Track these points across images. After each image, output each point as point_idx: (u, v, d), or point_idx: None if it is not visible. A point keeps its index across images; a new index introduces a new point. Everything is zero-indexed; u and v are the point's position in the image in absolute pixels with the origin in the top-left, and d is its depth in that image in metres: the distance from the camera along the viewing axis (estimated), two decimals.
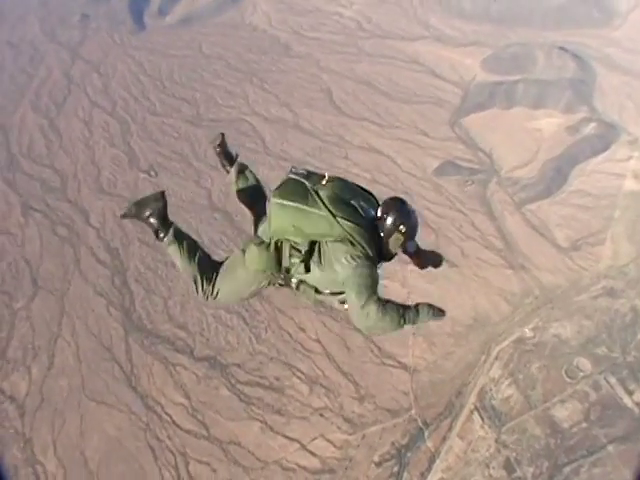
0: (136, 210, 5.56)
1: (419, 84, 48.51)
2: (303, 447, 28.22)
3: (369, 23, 57.36)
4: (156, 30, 62.98)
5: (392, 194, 5.17)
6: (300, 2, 62.06)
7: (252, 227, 5.75)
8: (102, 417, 31.43)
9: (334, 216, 4.81)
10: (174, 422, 30.35)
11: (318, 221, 4.83)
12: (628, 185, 37.31)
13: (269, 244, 5.21)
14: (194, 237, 5.76)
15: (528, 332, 30.03)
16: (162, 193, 5.66)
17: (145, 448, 29.81)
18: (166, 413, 30.78)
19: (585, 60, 48.04)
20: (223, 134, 6.07)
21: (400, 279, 33.38)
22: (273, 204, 4.96)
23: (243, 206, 6.04)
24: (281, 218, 4.94)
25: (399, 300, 4.72)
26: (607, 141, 40.60)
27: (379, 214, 4.99)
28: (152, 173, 44.50)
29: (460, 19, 55.37)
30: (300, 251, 5.06)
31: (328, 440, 28.19)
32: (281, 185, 5.07)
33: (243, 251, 5.41)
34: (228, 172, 6.19)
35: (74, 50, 61.80)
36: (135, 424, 30.74)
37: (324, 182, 5.03)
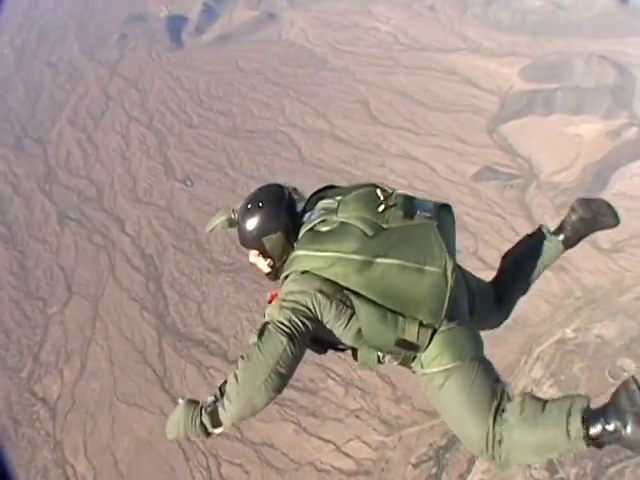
0: None
1: (456, 93, 47.97)
2: (338, 448, 27.35)
3: (406, 37, 57.03)
4: (194, 48, 63.38)
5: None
6: (337, 18, 62.04)
7: None
8: (133, 419, 30.98)
9: None
10: None
11: None
12: None
13: None
14: None
15: (570, 333, 28.98)
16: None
17: (176, 450, 29.14)
18: None
19: (625, 67, 47.29)
20: None
21: None
22: None
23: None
24: None
25: None
26: None
27: None
28: (188, 183, 44.49)
29: (497, 31, 55.04)
30: None
31: (364, 442, 27.27)
32: None
33: None
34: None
35: (112, 68, 62.33)
36: None
37: None
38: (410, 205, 3.32)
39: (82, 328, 36.10)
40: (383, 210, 3.25)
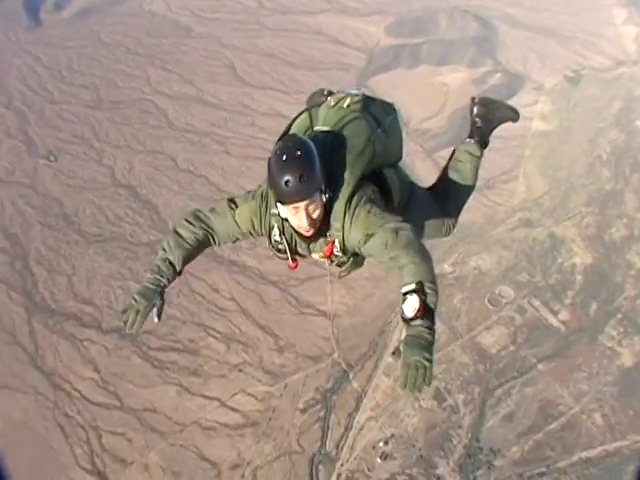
0: None
1: (323, 52, 48.00)
2: (223, 404, 26.82)
3: (270, 1, 56.59)
4: (53, 25, 60.25)
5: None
6: None
7: None
8: (6, 402, 29.18)
9: None
10: (83, 397, 28.44)
11: None
12: (536, 126, 38.03)
13: None
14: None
15: (447, 267, 29.45)
16: None
17: (54, 427, 27.79)
18: (75, 389, 28.83)
19: (487, 20, 48.73)
20: None
21: None
22: None
23: None
24: None
25: None
26: (513, 89, 41.22)
27: None
28: (51, 158, 42.33)
29: None
30: None
31: (249, 394, 26.91)
32: None
33: None
34: None
35: None
36: (42, 404, 28.67)
37: None
38: (354, 95, 4.08)
39: None
40: (348, 105, 3.97)
